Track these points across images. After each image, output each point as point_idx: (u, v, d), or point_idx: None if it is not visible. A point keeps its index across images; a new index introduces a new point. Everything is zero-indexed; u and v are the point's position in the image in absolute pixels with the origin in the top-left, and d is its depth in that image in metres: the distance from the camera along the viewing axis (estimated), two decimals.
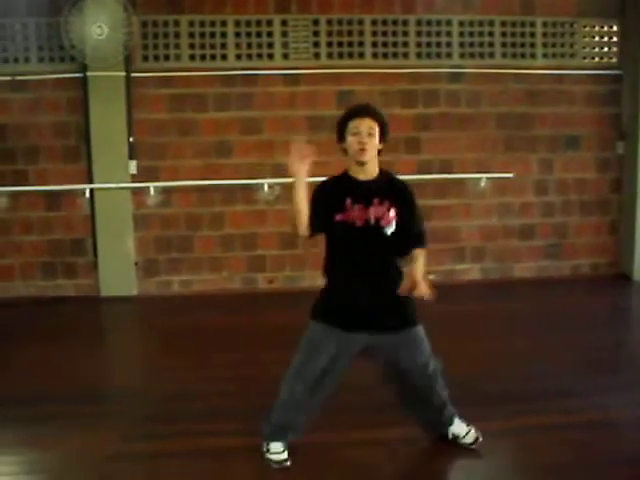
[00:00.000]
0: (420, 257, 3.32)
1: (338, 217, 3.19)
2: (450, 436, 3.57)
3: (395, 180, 3.37)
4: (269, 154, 7.43)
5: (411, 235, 3.32)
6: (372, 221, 3.20)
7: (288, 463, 3.44)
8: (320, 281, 3.56)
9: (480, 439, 3.54)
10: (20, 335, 6.04)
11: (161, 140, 7.35)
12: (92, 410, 4.27)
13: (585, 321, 6.28)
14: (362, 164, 3.25)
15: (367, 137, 3.19)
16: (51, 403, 4.37)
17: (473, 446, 3.55)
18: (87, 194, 7.24)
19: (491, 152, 7.74)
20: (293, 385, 3.42)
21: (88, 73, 7.08)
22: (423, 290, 3.18)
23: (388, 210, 3.21)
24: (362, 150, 3.19)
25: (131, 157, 7.25)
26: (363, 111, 3.27)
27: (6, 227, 7.34)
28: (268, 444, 3.51)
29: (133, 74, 7.19)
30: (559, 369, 4.86)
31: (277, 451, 3.48)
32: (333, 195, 3.24)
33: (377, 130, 3.24)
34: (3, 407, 4.31)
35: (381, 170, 3.35)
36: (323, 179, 3.36)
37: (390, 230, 3.22)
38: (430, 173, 7.63)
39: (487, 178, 7.71)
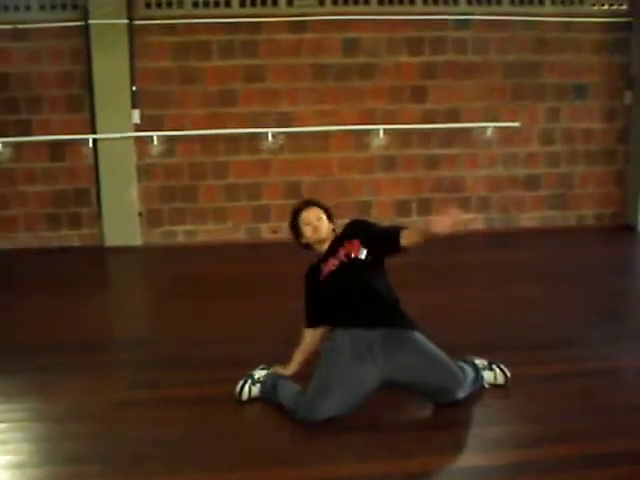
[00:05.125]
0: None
1: (321, 278, 3.60)
2: (487, 386, 3.66)
3: (344, 228, 3.79)
4: (274, 103, 7.38)
5: (387, 235, 3.55)
6: (344, 258, 3.55)
7: (238, 392, 3.55)
8: None
9: (508, 374, 3.66)
10: (25, 285, 6.06)
11: (164, 89, 7.28)
12: (96, 359, 4.27)
13: (589, 271, 6.26)
14: (320, 241, 3.71)
15: (317, 222, 3.70)
16: (56, 352, 4.37)
17: (507, 382, 3.66)
18: (90, 144, 7.20)
19: (498, 101, 7.67)
20: (301, 412, 3.30)
21: (90, 21, 6.98)
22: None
23: (350, 244, 3.59)
24: (315, 231, 3.68)
25: (134, 106, 7.19)
26: (307, 203, 3.84)
27: (10, 178, 7.32)
28: (258, 377, 3.61)
29: (136, 22, 7.10)
30: (563, 318, 4.85)
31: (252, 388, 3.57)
32: (314, 273, 3.69)
33: (324, 216, 3.75)
34: (8, 356, 4.31)
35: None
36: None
37: (364, 254, 3.55)
38: (436, 122, 7.58)
39: (493, 127, 7.66)
